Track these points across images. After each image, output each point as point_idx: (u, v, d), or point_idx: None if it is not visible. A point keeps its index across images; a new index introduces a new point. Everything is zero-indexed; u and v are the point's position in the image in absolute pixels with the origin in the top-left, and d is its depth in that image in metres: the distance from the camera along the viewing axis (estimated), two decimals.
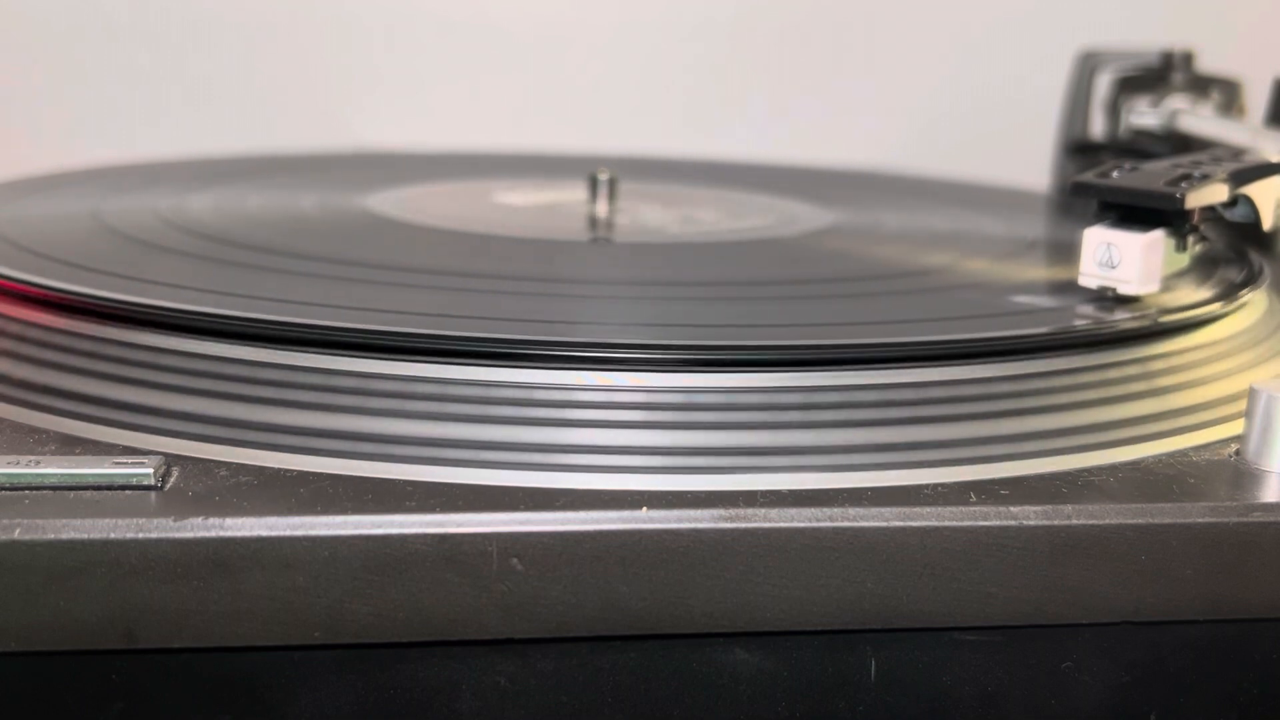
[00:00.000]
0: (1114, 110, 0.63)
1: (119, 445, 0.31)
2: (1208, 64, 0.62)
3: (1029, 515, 0.30)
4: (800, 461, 0.31)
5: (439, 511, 0.28)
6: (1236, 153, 0.45)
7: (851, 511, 0.29)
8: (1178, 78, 0.61)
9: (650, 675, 0.31)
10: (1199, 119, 0.56)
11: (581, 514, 0.28)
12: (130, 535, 0.27)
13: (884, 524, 0.29)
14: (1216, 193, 0.39)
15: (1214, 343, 0.38)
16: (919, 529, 0.29)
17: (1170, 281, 0.40)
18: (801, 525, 0.29)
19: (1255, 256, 0.46)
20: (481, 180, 0.61)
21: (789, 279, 0.44)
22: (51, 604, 0.27)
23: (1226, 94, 0.60)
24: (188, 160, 0.64)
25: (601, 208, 0.54)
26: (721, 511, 0.29)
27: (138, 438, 0.31)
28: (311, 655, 0.29)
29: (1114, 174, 0.39)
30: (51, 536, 0.27)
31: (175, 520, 0.27)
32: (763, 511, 0.29)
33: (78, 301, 0.35)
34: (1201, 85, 0.61)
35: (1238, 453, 0.33)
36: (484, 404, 0.31)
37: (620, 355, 0.32)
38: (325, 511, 0.28)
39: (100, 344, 0.34)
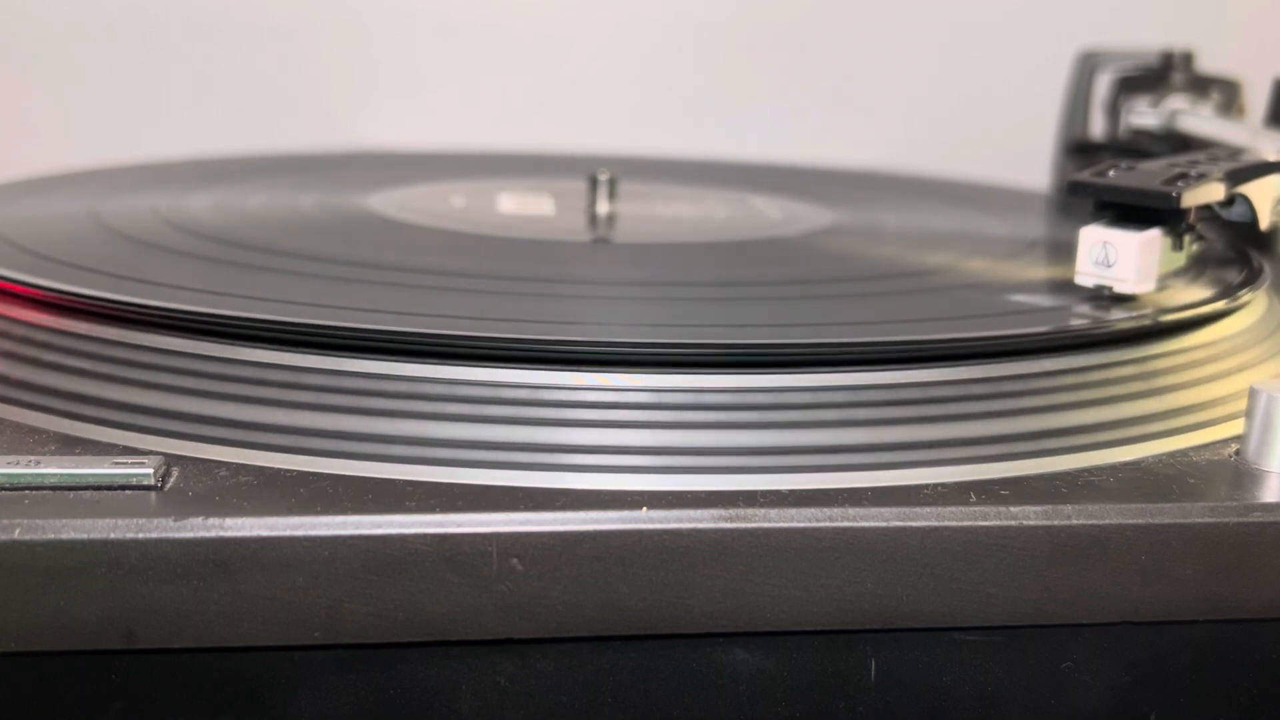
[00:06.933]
0: (1114, 110, 0.63)
1: (119, 445, 0.31)
2: (1207, 64, 0.62)
3: (1029, 515, 0.30)
4: (800, 461, 0.31)
5: (439, 511, 0.28)
6: (1234, 152, 0.45)
7: (851, 511, 0.29)
8: (1177, 78, 0.61)
9: (650, 675, 0.31)
10: (1198, 119, 0.56)
11: (581, 514, 0.28)
12: (130, 535, 0.27)
13: (884, 524, 0.29)
14: (1213, 192, 0.39)
15: (1214, 342, 0.38)
16: (919, 529, 0.29)
17: (1170, 281, 0.40)
18: (801, 525, 0.29)
19: (1255, 256, 0.46)
20: (481, 180, 0.61)
21: (789, 279, 0.44)
22: (51, 604, 0.27)
23: (1226, 94, 0.60)
24: (188, 160, 0.64)
25: (601, 208, 0.54)
26: (721, 511, 0.29)
27: (138, 438, 0.31)
28: (311, 655, 0.29)
29: (1110, 173, 0.39)
30: (51, 536, 0.27)
31: (175, 520, 0.27)
32: (763, 511, 0.29)
33: (77, 302, 0.35)
34: (1201, 85, 0.61)
35: (1238, 453, 0.33)
36: (484, 404, 0.31)
37: (620, 355, 0.32)
38: (325, 511, 0.28)
39: (100, 344, 0.34)
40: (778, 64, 0.77)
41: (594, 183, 0.54)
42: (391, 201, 0.54)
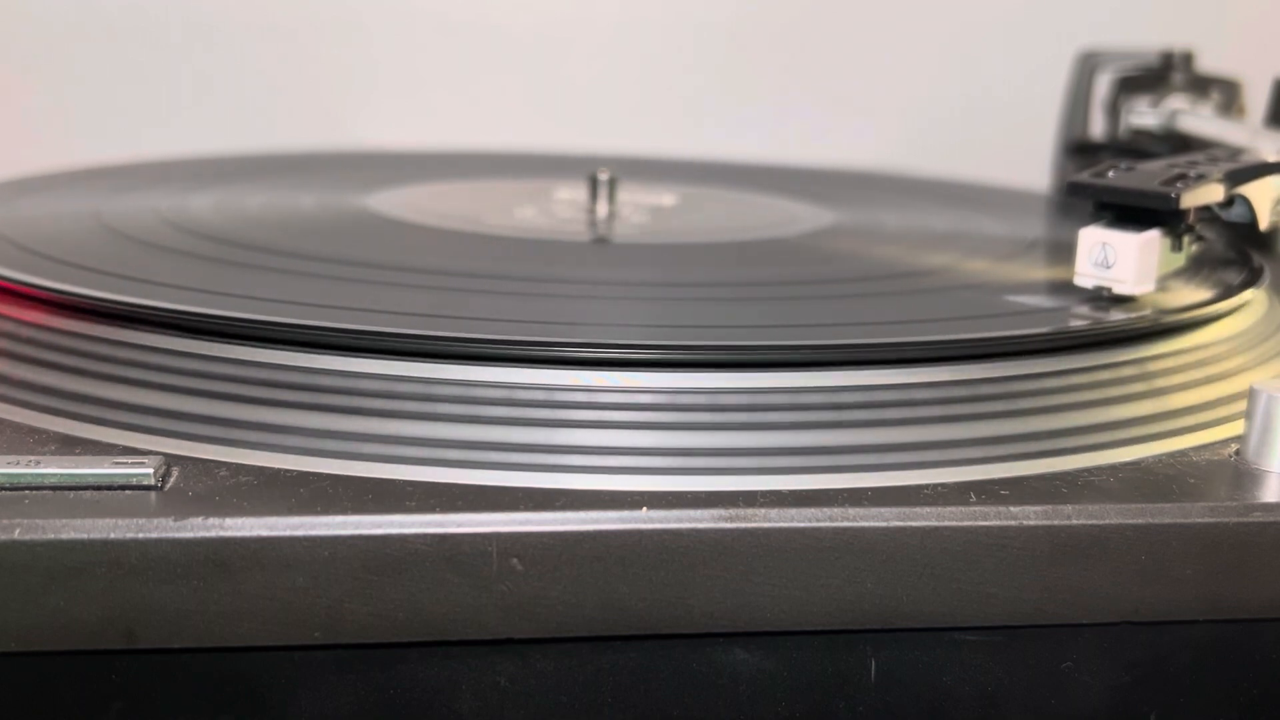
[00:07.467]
0: (1114, 110, 0.63)
1: (119, 445, 0.31)
2: (1207, 64, 0.62)
3: (1029, 515, 0.30)
4: (800, 462, 0.31)
5: (439, 511, 0.28)
6: (1234, 153, 0.45)
7: (851, 511, 0.29)
8: (1177, 78, 0.61)
9: (650, 675, 0.31)
10: (1198, 119, 0.56)
11: (581, 514, 0.28)
12: (130, 535, 0.27)
13: (884, 524, 0.29)
14: (1212, 193, 0.39)
15: (1214, 343, 0.38)
16: (919, 529, 0.29)
17: (1171, 281, 0.40)
18: (801, 525, 0.29)
19: (1255, 256, 0.46)
20: (481, 180, 0.61)
21: (789, 279, 0.44)
22: (51, 604, 0.27)
23: (1226, 94, 0.60)
24: (188, 160, 0.64)
25: (601, 208, 0.54)
26: (721, 511, 0.29)
27: (138, 438, 0.31)
28: (311, 655, 0.29)
29: (1110, 174, 0.39)
30: (51, 536, 0.27)
31: (175, 520, 0.27)
32: (763, 511, 0.29)
33: (78, 301, 0.35)
34: (1201, 85, 0.61)
35: (1238, 453, 0.33)
36: (484, 404, 0.31)
37: (620, 355, 0.32)
38: (325, 511, 0.28)
39: (100, 344, 0.34)
40: (778, 64, 0.77)
41: (594, 183, 0.54)
42: (391, 201, 0.54)
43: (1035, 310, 0.39)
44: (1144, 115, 0.59)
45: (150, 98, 0.73)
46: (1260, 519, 0.30)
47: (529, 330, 0.34)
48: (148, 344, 0.33)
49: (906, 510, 0.29)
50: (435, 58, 0.75)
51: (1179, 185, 0.38)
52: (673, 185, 0.61)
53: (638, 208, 0.55)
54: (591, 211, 0.54)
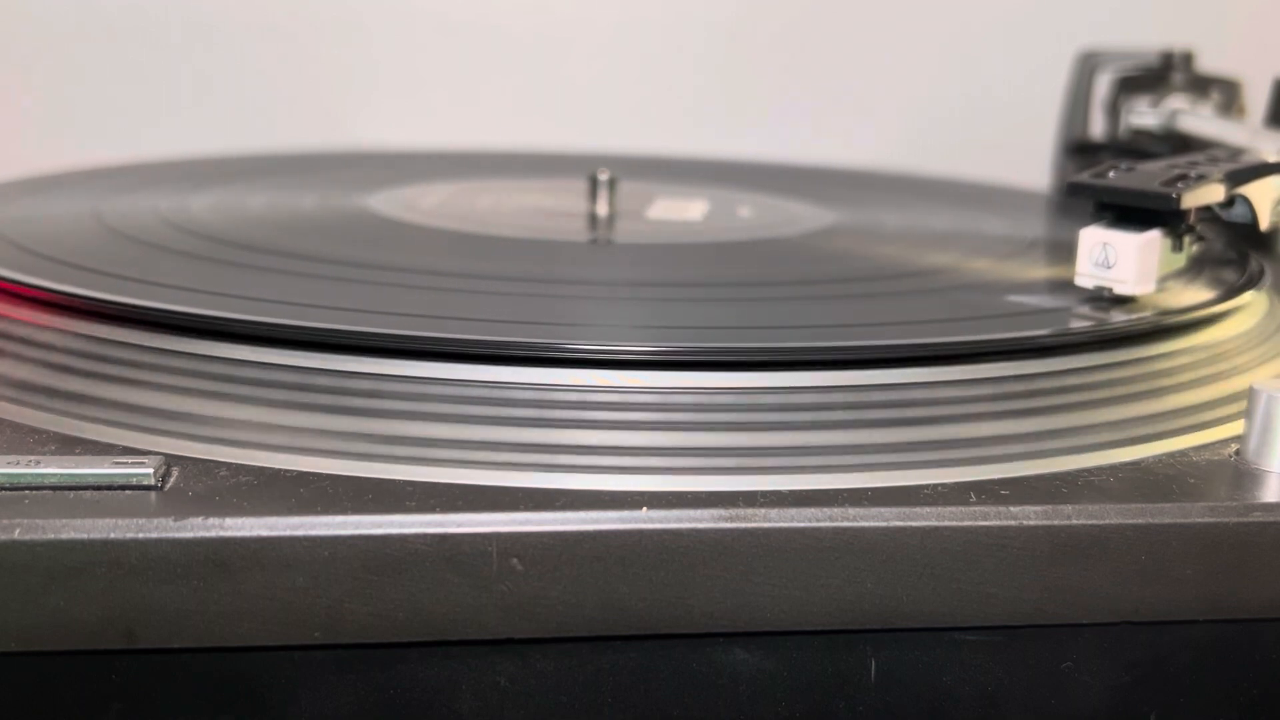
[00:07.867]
0: (1114, 110, 0.63)
1: (119, 445, 0.31)
2: (1207, 64, 0.62)
3: (1029, 515, 0.30)
4: (800, 461, 0.31)
5: (439, 511, 0.28)
6: (1234, 153, 0.45)
7: (851, 511, 0.29)
8: (1177, 78, 0.61)
9: (650, 675, 0.31)
10: (1198, 119, 0.56)
11: (581, 514, 0.28)
12: (130, 535, 0.27)
13: (884, 524, 0.29)
14: (1213, 193, 0.39)
15: (1214, 343, 0.38)
16: (919, 529, 0.29)
17: (1171, 282, 0.40)
18: (801, 525, 0.29)
19: (1255, 257, 0.46)
20: (481, 180, 0.61)
21: (789, 279, 0.44)
22: (51, 604, 0.27)
23: (1226, 94, 0.60)
24: (188, 160, 0.64)
25: (601, 208, 0.54)
26: (721, 511, 0.29)
27: (138, 438, 0.31)
28: (311, 655, 0.29)
29: (1110, 174, 0.39)
30: (51, 536, 0.27)
31: (175, 520, 0.27)
32: (763, 511, 0.29)
33: (78, 302, 0.35)
34: (1201, 85, 0.61)
35: (1238, 453, 0.33)
36: (484, 404, 0.31)
37: (620, 356, 0.32)
38: (325, 511, 0.28)
39: (100, 344, 0.34)
40: (778, 64, 0.77)
41: (594, 183, 0.54)
42: (391, 201, 0.54)
43: (1036, 311, 0.39)
44: (1144, 115, 0.59)
45: (150, 98, 0.73)
46: (1260, 519, 0.30)
47: (529, 330, 0.34)
48: (148, 344, 0.33)
49: (906, 510, 0.29)
50: (435, 58, 0.75)
51: (1179, 185, 0.38)
52: (673, 185, 0.61)
53: (639, 207, 0.55)
54: (591, 211, 0.54)
